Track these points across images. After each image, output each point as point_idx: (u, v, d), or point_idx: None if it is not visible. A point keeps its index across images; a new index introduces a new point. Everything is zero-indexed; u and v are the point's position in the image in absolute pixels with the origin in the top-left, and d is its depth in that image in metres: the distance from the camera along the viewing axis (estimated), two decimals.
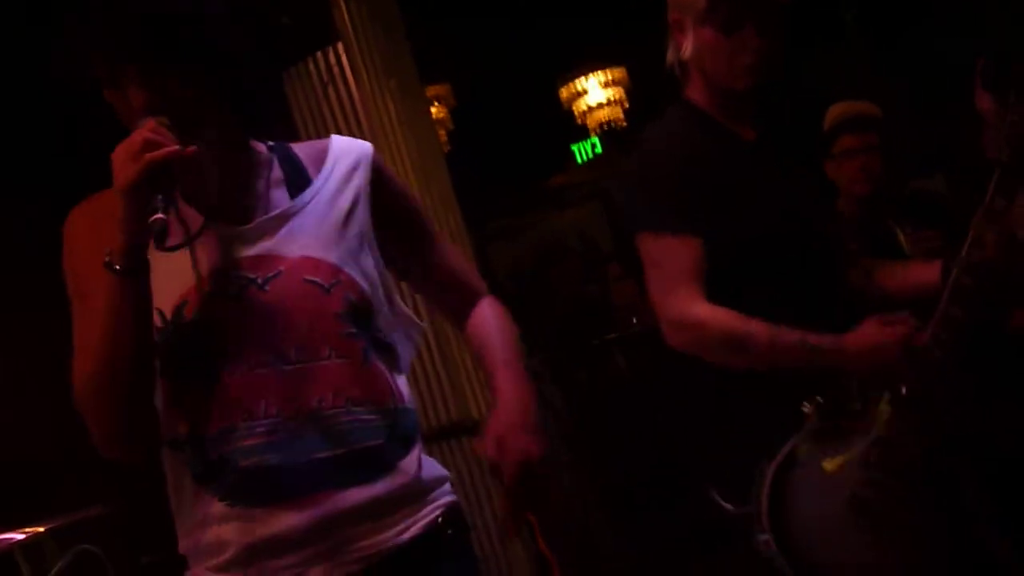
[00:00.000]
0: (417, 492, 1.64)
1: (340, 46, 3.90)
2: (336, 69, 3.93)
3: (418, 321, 1.76)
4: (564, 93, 7.18)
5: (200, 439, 1.53)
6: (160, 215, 1.39)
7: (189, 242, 1.50)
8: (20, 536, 3.53)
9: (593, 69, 6.99)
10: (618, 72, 6.98)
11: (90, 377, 1.48)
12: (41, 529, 3.68)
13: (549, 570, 3.31)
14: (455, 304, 1.82)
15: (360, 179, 1.68)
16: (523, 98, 6.67)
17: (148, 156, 1.40)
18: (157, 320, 1.52)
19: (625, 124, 7.15)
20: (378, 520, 1.57)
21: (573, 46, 6.72)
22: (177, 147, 1.42)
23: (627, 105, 7.17)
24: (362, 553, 1.55)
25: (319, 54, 3.96)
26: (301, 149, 1.72)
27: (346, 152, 1.70)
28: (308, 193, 1.64)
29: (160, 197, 1.40)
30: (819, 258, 2.13)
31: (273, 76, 4.18)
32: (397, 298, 1.73)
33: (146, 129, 1.42)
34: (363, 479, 1.56)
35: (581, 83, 7.01)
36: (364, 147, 1.73)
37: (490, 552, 3.70)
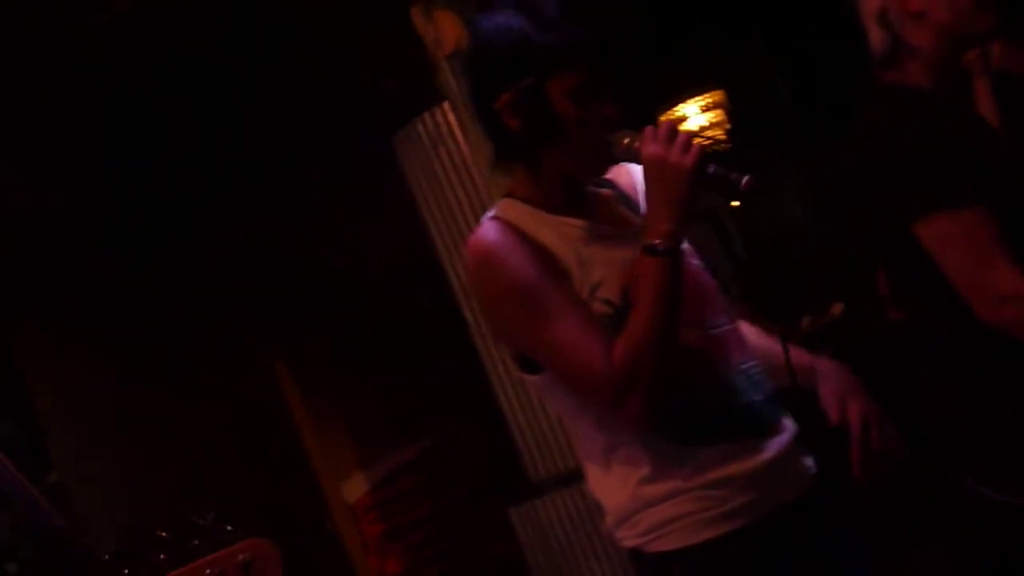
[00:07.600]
0: None
1: (446, 105, 4.00)
2: (444, 129, 4.02)
3: None
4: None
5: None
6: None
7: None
8: None
9: (691, 95, 7.00)
10: (717, 95, 6.97)
11: (647, 350, 1.66)
12: None
13: None
14: None
15: None
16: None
17: (698, 144, 1.68)
18: (607, 309, 1.74)
19: (729, 145, 7.10)
20: None
21: (670, 76, 6.72)
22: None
23: (728, 126, 7.14)
24: None
25: (426, 115, 4.06)
26: None
27: None
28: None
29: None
30: None
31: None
32: None
33: (669, 128, 1.72)
34: None
35: (681, 110, 7.02)
36: None
37: None
